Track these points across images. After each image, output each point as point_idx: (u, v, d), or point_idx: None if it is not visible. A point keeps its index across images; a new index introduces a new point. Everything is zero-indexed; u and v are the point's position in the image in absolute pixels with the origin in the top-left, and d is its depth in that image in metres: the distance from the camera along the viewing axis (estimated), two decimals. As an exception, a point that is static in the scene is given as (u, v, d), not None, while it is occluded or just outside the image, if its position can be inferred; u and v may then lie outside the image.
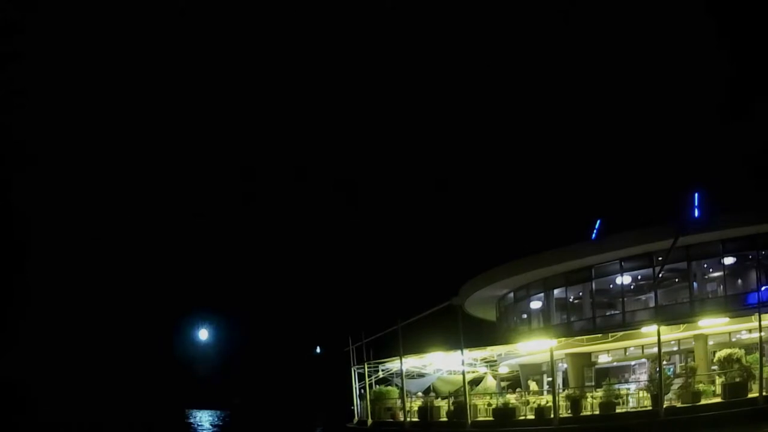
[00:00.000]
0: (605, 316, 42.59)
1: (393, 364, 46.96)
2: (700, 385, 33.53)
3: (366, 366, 47.38)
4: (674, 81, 79.88)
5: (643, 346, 39.89)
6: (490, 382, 47.28)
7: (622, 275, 41.51)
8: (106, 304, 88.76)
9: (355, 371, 49.14)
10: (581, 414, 35.19)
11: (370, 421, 45.94)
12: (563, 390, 39.21)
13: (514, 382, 48.48)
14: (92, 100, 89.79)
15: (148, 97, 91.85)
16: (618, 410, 34.33)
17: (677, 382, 34.45)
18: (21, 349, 78.89)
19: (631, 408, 34.57)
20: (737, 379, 32.06)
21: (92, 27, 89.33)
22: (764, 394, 30.76)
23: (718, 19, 74.63)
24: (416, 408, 43.31)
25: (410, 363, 46.60)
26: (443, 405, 42.66)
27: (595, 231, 47.74)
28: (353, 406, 50.18)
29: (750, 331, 34.86)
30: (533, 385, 44.65)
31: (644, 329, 36.41)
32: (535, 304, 46.88)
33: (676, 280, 40.67)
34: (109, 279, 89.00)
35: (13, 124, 79.85)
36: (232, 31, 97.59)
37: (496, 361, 48.64)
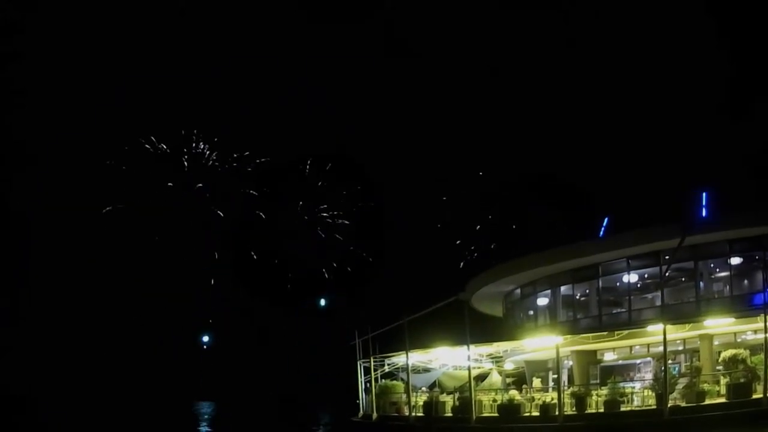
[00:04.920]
0: (611, 314, 42.70)
1: (399, 359, 47.15)
2: (705, 385, 33.70)
3: (372, 360, 47.59)
4: (674, 81, 79.70)
5: (648, 345, 40.02)
6: (495, 378, 47.47)
7: (628, 273, 41.60)
8: (108, 305, 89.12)
9: (360, 365, 49.38)
10: (586, 412, 35.34)
11: (375, 415, 46.12)
12: (568, 387, 39.38)
13: (519, 379, 48.67)
14: (92, 100, 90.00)
15: (148, 96, 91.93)
16: (622, 409, 34.53)
17: (682, 382, 34.59)
18: (21, 350, 79.26)
19: (636, 407, 34.75)
20: (742, 380, 32.20)
21: (92, 27, 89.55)
22: (768, 395, 30.89)
23: (718, 19, 74.33)
24: (421, 403, 43.47)
25: (416, 358, 46.77)
26: (448, 400, 42.85)
27: (602, 229, 47.89)
28: (358, 400, 50.45)
29: (755, 331, 34.85)
30: (537, 383, 44.84)
31: (650, 328, 36.49)
32: (542, 301, 46.98)
33: (683, 279, 40.75)
34: (110, 279, 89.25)
35: (13, 124, 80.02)
36: (232, 32, 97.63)
37: (501, 357, 48.81)
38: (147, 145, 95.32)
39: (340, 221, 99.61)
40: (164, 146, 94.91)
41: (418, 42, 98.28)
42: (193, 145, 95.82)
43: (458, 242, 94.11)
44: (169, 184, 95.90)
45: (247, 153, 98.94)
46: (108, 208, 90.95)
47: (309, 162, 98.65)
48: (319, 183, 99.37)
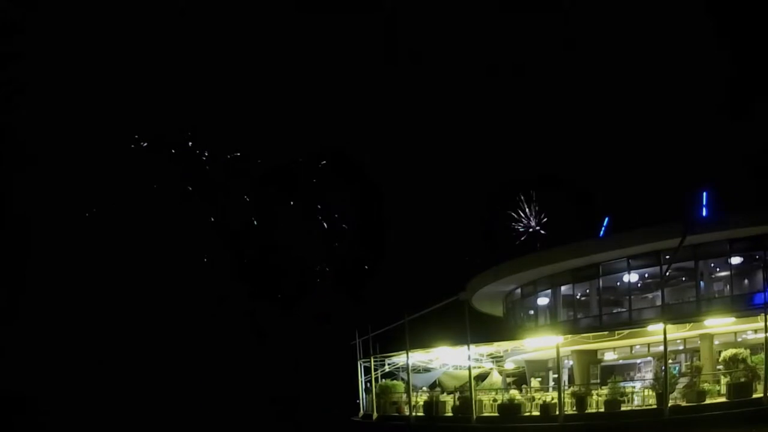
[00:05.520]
0: (612, 313, 42.72)
1: (399, 358, 47.19)
2: (705, 384, 33.73)
3: (372, 360, 47.63)
4: (674, 81, 79.65)
5: (649, 345, 40.04)
6: (495, 378, 47.48)
7: (629, 273, 41.62)
8: (107, 305, 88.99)
9: (361, 365, 49.41)
10: (586, 411, 35.39)
11: (375, 414, 46.14)
12: (569, 387, 39.40)
13: (519, 379, 48.68)
14: (93, 100, 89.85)
15: (149, 96, 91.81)
16: (623, 408, 34.57)
17: (682, 381, 34.63)
18: (21, 350, 79.15)
19: (636, 406, 34.78)
20: (742, 379, 32.21)
21: (92, 27, 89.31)
22: (769, 394, 30.88)
23: (718, 19, 74.26)
24: (422, 402, 43.48)
25: (416, 357, 46.81)
26: (449, 400, 42.88)
27: (603, 228, 47.94)
28: (359, 399, 50.46)
29: (756, 331, 34.91)
30: (534, 383, 44.84)
31: (650, 327, 36.50)
32: (542, 301, 47.01)
33: (683, 278, 40.77)
34: (109, 279, 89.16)
35: (13, 124, 79.94)
36: (232, 32, 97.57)
37: (502, 356, 48.83)
38: (137, 145, 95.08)
39: (339, 221, 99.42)
40: (145, 144, 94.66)
41: (417, 44, 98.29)
42: (189, 144, 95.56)
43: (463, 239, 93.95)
44: (154, 186, 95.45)
45: (238, 153, 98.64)
46: (93, 210, 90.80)
47: (307, 161, 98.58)
48: (317, 183, 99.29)
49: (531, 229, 71.62)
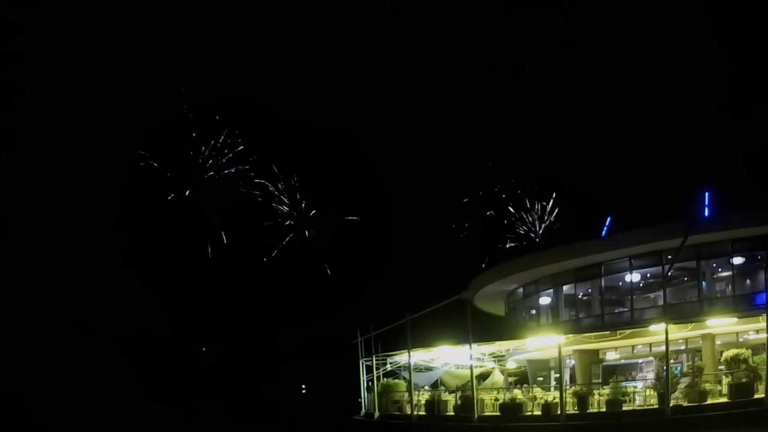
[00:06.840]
0: (613, 313, 42.77)
1: (401, 357, 47.24)
2: (707, 384, 33.78)
3: (374, 359, 47.70)
4: (674, 81, 79.74)
5: (650, 344, 40.07)
6: (497, 377, 47.53)
7: (631, 273, 41.64)
8: (106, 303, 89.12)
9: (363, 364, 49.47)
10: (588, 411, 35.46)
11: (377, 413, 46.24)
12: (570, 386, 39.44)
13: (521, 378, 48.73)
14: (93, 100, 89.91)
15: (149, 96, 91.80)
16: (624, 408, 34.64)
17: (684, 381, 34.69)
18: (18, 347, 79.21)
19: (638, 406, 34.84)
20: (744, 380, 32.29)
21: (92, 27, 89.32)
22: (770, 394, 30.93)
23: (718, 19, 74.37)
24: (423, 401, 43.55)
25: (418, 356, 46.85)
26: (450, 399, 42.94)
27: (605, 228, 47.98)
28: (360, 398, 50.51)
29: (757, 331, 34.93)
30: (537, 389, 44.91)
31: (652, 327, 36.51)
32: (544, 300, 47.04)
33: (685, 278, 40.78)
34: (108, 277, 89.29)
35: (13, 124, 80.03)
36: (232, 32, 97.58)
37: (504, 356, 48.88)
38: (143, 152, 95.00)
39: (342, 218, 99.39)
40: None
41: (416, 45, 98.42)
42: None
43: (462, 235, 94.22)
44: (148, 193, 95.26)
45: (241, 147, 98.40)
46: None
47: (308, 159, 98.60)
48: (320, 180, 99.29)
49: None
